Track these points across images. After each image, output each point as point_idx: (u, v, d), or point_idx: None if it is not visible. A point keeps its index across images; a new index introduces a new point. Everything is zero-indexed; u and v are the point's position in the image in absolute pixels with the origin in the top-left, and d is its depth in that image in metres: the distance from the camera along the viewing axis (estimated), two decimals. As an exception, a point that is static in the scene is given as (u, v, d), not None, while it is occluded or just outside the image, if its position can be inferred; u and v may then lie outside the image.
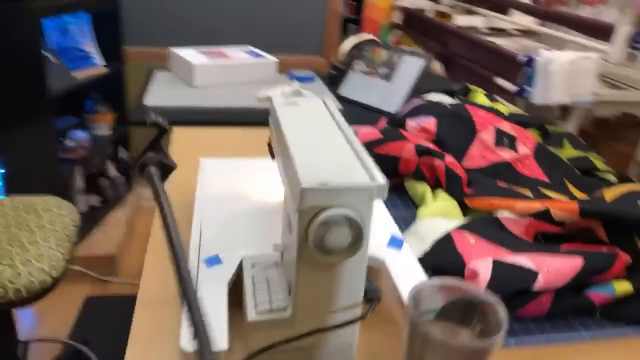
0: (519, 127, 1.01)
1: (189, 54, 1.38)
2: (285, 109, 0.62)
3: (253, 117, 1.20)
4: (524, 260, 0.60)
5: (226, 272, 0.56)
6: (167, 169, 0.49)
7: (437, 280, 0.42)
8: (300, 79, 1.47)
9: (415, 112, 1.03)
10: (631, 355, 0.58)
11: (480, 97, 1.22)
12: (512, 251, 0.62)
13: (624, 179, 0.99)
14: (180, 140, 1.08)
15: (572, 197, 0.86)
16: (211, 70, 1.34)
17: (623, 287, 0.61)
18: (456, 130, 0.97)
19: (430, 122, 0.98)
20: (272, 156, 0.68)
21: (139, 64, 2.11)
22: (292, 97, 0.66)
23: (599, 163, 1.00)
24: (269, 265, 0.56)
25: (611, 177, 0.98)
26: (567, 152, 1.02)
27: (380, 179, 0.45)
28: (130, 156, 0.56)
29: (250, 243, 0.63)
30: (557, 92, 2.09)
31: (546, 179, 0.92)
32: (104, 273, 1.82)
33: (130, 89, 2.11)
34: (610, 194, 0.74)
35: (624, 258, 0.64)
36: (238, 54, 1.45)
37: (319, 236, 0.44)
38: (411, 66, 1.26)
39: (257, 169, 0.82)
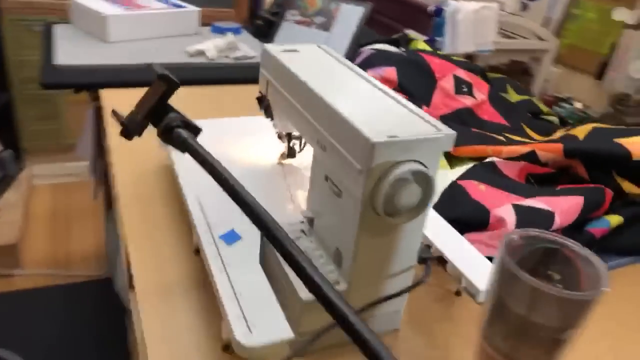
0: (471, 73, 1.02)
1: (96, 4, 1.18)
2: (289, 57, 0.55)
3: (186, 75, 1.07)
4: (537, 203, 0.60)
5: (251, 249, 0.49)
6: (194, 130, 0.40)
7: (524, 231, 0.40)
8: (225, 30, 1.34)
9: (370, 62, 0.99)
10: (632, 281, 0.62)
11: (421, 44, 1.21)
12: (522, 197, 0.62)
13: (563, 121, 1.05)
14: (114, 104, 0.93)
15: (533, 140, 0.90)
16: (127, 21, 1.17)
17: (615, 219, 0.65)
18: (417, 79, 0.95)
19: (390, 72, 0.95)
20: (268, 114, 0.61)
21: (16, 18, 1.79)
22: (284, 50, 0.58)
23: (542, 106, 1.05)
24: (296, 235, 0.49)
25: (554, 119, 1.04)
26: (513, 97, 1.06)
27: (446, 128, 0.41)
28: (131, 119, 0.44)
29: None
30: (464, 42, 2.17)
31: (506, 123, 0.94)
32: (4, 265, 1.58)
33: (10, 48, 1.79)
34: (579, 133, 0.78)
35: (609, 193, 0.67)
36: (152, 3, 1.28)
37: (389, 196, 0.39)
38: (351, 14, 1.21)
39: (234, 129, 0.73)
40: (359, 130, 0.39)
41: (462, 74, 0.98)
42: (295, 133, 0.63)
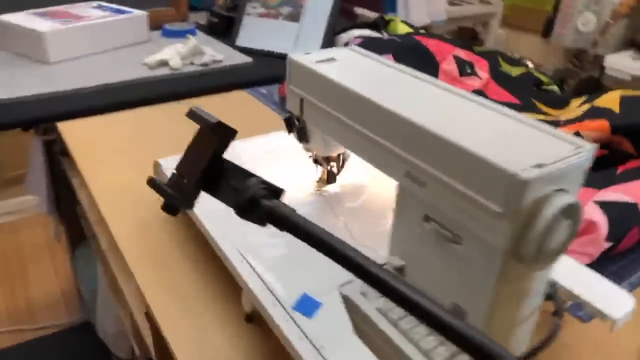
0: (469, 51, 0.95)
1: (26, 21, 1.01)
2: (332, 69, 0.45)
3: (152, 91, 0.93)
4: (616, 195, 0.54)
5: (339, 316, 0.39)
6: (277, 193, 0.29)
7: None
8: (179, 34, 1.20)
9: (362, 52, 0.89)
10: None
11: (401, 26, 1.12)
12: (595, 189, 0.56)
13: (564, 90, 1.01)
14: (76, 139, 0.79)
15: (549, 116, 0.84)
16: (68, 37, 1.00)
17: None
18: (417, 65, 0.86)
19: (389, 59, 0.86)
20: (302, 137, 0.50)
21: None
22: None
23: (541, 76, 1.00)
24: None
25: (554, 88, 1.00)
26: (513, 71, 1.00)
27: (582, 141, 0.33)
28: (178, 188, 0.33)
29: (318, 263, 0.46)
30: (418, 14, 2.11)
31: (517, 101, 0.88)
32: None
33: None
34: (610, 105, 0.73)
35: (666, 167, 0.62)
36: (91, 12, 1.11)
37: (541, 240, 0.31)
38: (321, 1, 1.10)
39: (248, 153, 0.62)
40: (493, 163, 0.30)
41: (461, 53, 0.91)
42: (334, 155, 0.53)
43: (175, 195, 0.31)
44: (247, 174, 0.29)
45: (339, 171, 0.55)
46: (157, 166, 0.59)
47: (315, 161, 0.53)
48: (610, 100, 0.74)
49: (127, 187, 0.65)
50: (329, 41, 1.09)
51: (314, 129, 0.49)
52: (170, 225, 0.58)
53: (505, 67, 1.00)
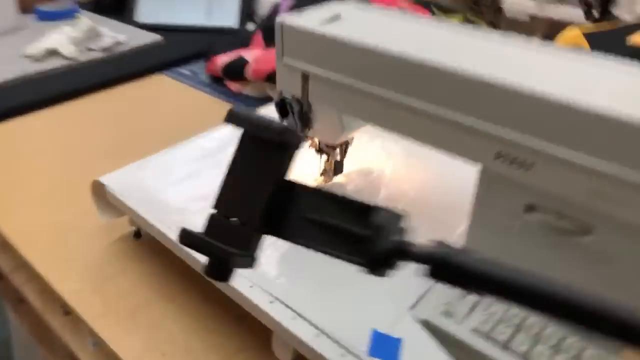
0: (409, 2, 0.87)
1: None
2: (345, 29, 0.34)
3: (47, 89, 0.75)
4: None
5: (430, 351, 0.30)
6: (399, 221, 0.19)
7: None
8: (60, 15, 0.99)
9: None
10: None
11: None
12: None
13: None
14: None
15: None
16: None
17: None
18: (365, 23, 0.77)
19: (333, 20, 0.75)
20: (303, 122, 0.39)
21: None
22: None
23: (480, 22, 0.96)
24: (472, 303, 0.32)
25: (494, 33, 0.96)
26: (451, 19, 0.95)
27: None
28: (228, 236, 0.21)
29: (365, 282, 0.36)
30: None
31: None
32: None
33: None
34: (578, 42, 0.69)
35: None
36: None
37: None
38: (230, -40, 0.95)
39: (216, 153, 0.49)
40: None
41: (405, 4, 0.83)
42: (344, 140, 0.43)
43: (228, 250, 0.19)
44: (358, 205, 0.18)
45: (342, 158, 0.44)
46: (98, 188, 0.45)
47: (319, 150, 0.42)
48: (573, 38, 0.71)
49: (59, 222, 0.49)
50: (247, 5, 0.95)
51: (325, 111, 0.38)
52: (139, 265, 0.44)
53: (442, 16, 0.94)
